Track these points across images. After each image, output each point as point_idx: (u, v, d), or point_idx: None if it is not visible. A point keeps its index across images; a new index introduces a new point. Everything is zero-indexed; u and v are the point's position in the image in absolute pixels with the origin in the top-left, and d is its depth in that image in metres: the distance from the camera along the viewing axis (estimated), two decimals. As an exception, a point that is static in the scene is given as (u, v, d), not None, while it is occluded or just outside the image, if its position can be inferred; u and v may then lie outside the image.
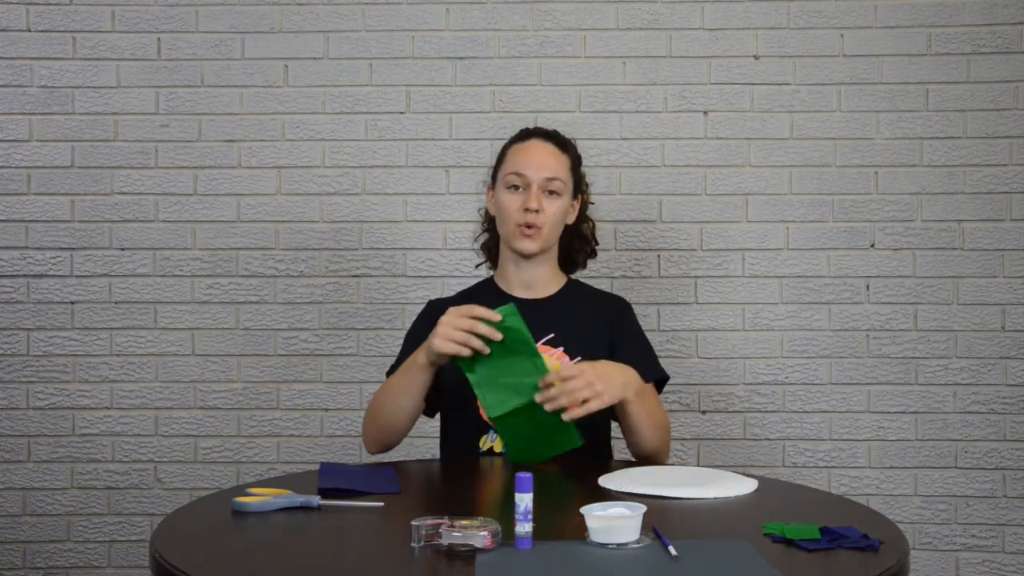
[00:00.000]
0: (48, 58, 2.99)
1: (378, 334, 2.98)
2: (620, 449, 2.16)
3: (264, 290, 2.99)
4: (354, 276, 2.99)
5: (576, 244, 2.28)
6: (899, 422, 2.96)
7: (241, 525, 1.58)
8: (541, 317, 2.06)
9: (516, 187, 2.13)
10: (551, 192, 2.13)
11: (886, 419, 2.96)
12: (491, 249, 2.30)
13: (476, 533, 1.38)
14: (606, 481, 1.79)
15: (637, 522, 1.42)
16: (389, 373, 2.13)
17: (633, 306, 2.26)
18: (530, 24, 2.98)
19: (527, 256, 2.15)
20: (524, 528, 1.41)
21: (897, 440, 2.96)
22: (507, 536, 1.41)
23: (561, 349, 2.09)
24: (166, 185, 2.99)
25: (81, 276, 2.99)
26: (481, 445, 2.09)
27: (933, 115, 2.95)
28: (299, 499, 1.64)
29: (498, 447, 2.06)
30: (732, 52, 2.97)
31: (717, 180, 2.97)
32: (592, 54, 2.98)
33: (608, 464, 2.04)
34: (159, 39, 2.99)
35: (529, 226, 2.11)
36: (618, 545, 1.41)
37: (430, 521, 1.42)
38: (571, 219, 2.21)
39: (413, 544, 1.41)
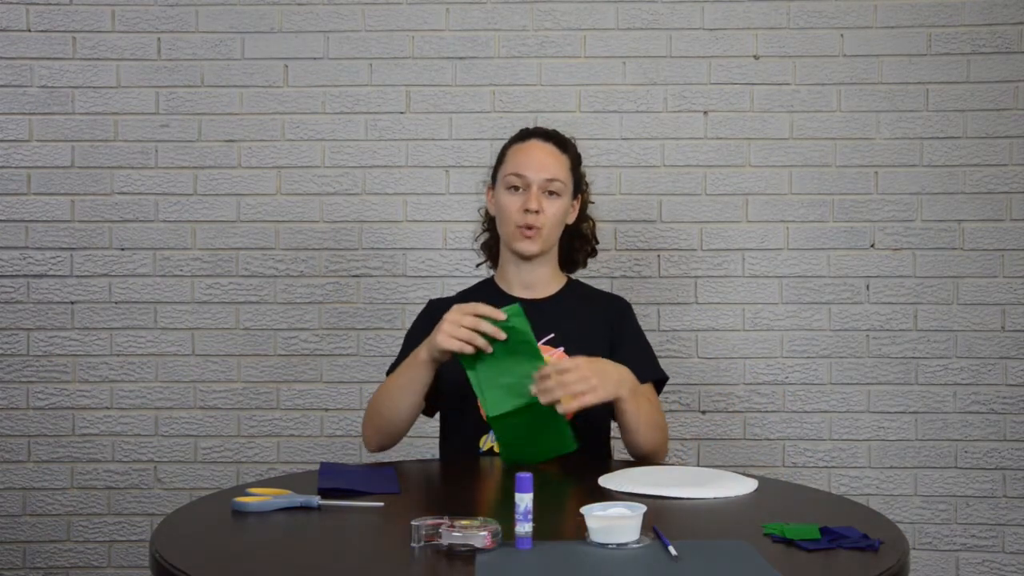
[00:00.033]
0: (48, 58, 2.99)
1: (378, 334, 2.98)
2: (620, 449, 2.16)
3: (264, 290, 2.99)
4: (354, 276, 2.99)
5: (576, 243, 2.28)
6: (899, 422, 2.96)
7: (241, 525, 1.58)
8: (541, 317, 2.06)
9: (516, 188, 2.13)
10: (551, 192, 2.13)
11: (886, 419, 2.96)
12: (491, 249, 2.30)
13: (476, 533, 1.38)
14: (606, 481, 1.79)
15: (637, 522, 1.42)
16: (389, 372, 2.13)
17: (633, 306, 2.26)
18: (530, 24, 2.98)
19: (527, 258, 2.15)
20: (524, 528, 1.41)
21: (897, 440, 2.96)
22: (507, 536, 1.41)
23: (561, 349, 2.09)
24: (166, 185, 2.99)
25: (81, 276, 2.99)
26: (481, 445, 2.09)
27: (933, 115, 2.95)
28: (299, 499, 1.64)
29: (498, 447, 2.06)
30: (732, 52, 2.97)
31: (717, 180, 2.97)
32: (592, 54, 2.98)
33: (608, 464, 2.04)
34: (159, 39, 2.99)
35: (529, 227, 2.11)
36: (618, 545, 1.41)
37: (430, 521, 1.42)
38: (571, 219, 2.21)
39: (413, 544, 1.41)
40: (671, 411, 2.95)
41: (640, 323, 2.24)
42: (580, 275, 2.34)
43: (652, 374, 2.15)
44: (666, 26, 2.97)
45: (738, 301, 2.97)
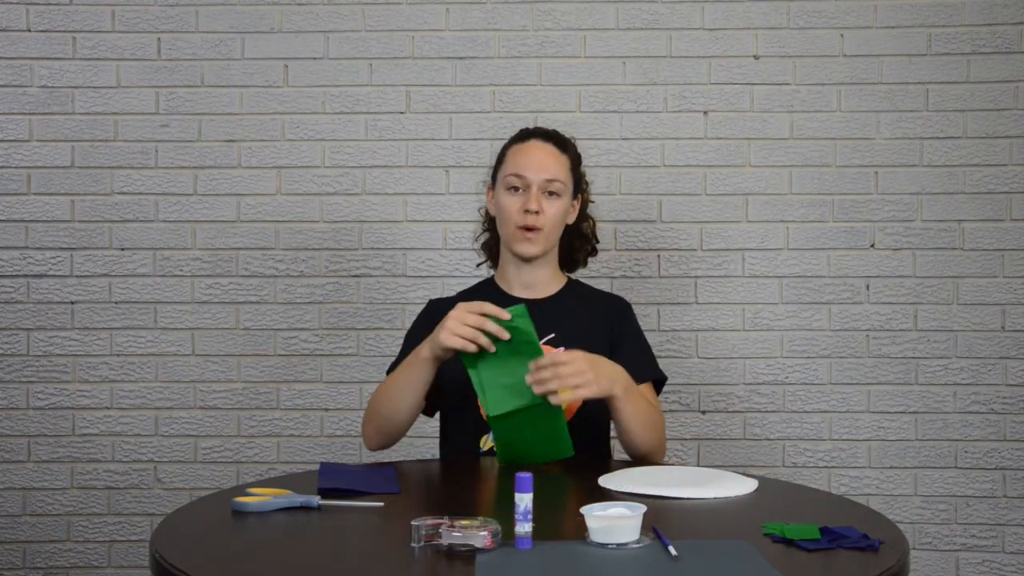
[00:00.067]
0: (48, 58, 2.99)
1: (378, 334, 2.98)
2: (620, 449, 2.16)
3: (264, 290, 2.99)
4: (354, 276, 2.99)
5: (577, 243, 2.28)
6: (899, 422, 2.96)
7: (241, 525, 1.58)
8: (541, 317, 2.06)
9: (516, 188, 2.13)
10: (551, 193, 2.13)
11: (886, 419, 2.96)
12: (492, 248, 2.30)
13: (476, 533, 1.38)
14: (606, 481, 1.79)
15: (637, 522, 1.42)
16: (389, 372, 2.13)
17: (633, 306, 2.26)
18: (530, 24, 2.98)
19: (527, 259, 2.15)
20: (524, 528, 1.41)
21: (897, 440, 2.96)
22: (507, 536, 1.41)
23: (561, 349, 2.08)
24: (166, 185, 2.99)
25: (81, 276, 2.99)
26: (481, 445, 2.09)
27: (933, 115, 2.95)
28: (299, 499, 1.64)
29: (496, 447, 2.06)
30: (732, 52, 2.97)
31: (717, 180, 2.97)
32: (592, 54, 2.98)
33: (608, 464, 2.04)
34: (159, 39, 2.99)
35: (529, 228, 2.11)
36: (618, 545, 1.41)
37: (430, 521, 1.42)
38: (571, 219, 2.21)
39: (413, 544, 1.41)
40: (671, 411, 2.95)
41: (640, 323, 2.24)
42: (580, 275, 2.34)
43: (651, 374, 2.15)
44: (666, 26, 2.97)
45: (738, 301, 2.97)
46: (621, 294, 2.44)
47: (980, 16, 2.93)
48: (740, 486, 1.76)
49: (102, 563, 2.99)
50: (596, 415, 2.05)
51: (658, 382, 2.18)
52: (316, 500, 1.64)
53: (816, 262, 2.96)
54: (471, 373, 1.90)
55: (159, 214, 2.99)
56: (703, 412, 2.98)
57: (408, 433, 2.11)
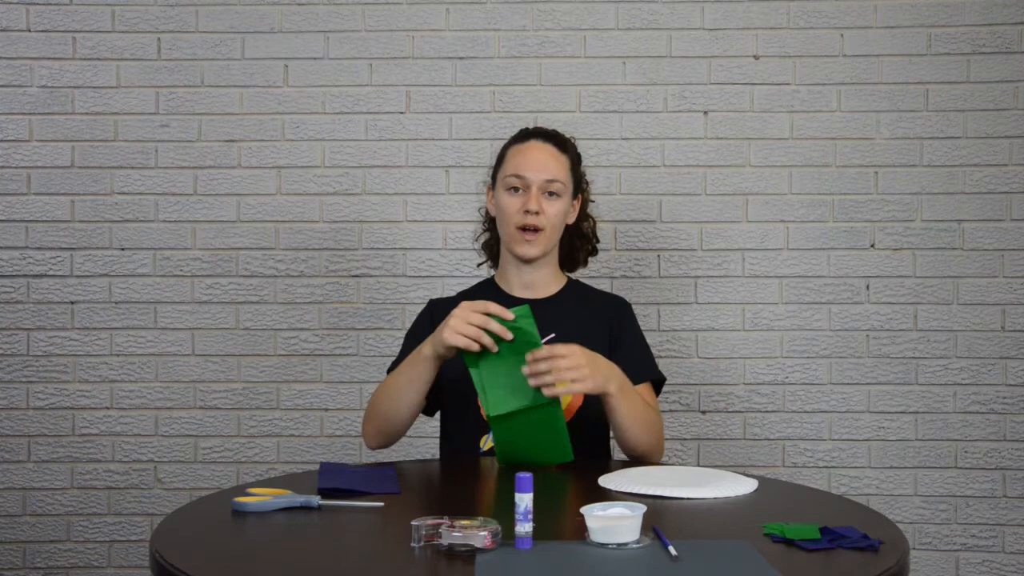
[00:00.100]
0: (48, 58, 2.99)
1: (378, 334, 2.98)
2: (620, 449, 2.16)
3: (264, 290, 2.99)
4: (354, 276, 2.99)
5: (577, 243, 2.28)
6: (899, 422, 2.96)
7: (241, 525, 1.58)
8: (542, 317, 2.05)
9: (516, 189, 2.13)
10: (551, 193, 2.13)
11: (886, 419, 2.96)
12: (492, 248, 2.30)
13: (476, 533, 1.38)
14: (606, 481, 1.79)
15: (637, 522, 1.42)
16: (390, 371, 2.13)
17: (633, 306, 2.26)
18: (530, 24, 2.98)
19: (528, 261, 2.15)
20: (524, 528, 1.41)
21: (897, 440, 2.96)
22: (507, 536, 1.41)
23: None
24: (166, 185, 2.99)
25: (81, 276, 2.99)
26: (481, 445, 2.09)
27: (933, 115, 2.95)
28: (299, 499, 1.64)
29: (496, 447, 2.06)
30: (732, 52, 2.97)
31: (717, 180, 2.97)
32: (592, 54, 2.98)
33: (608, 464, 2.04)
34: (159, 39, 2.99)
35: (529, 228, 2.11)
36: (618, 545, 1.41)
37: (430, 521, 1.42)
38: (571, 219, 2.21)
39: (413, 544, 1.42)
40: (671, 411, 2.95)
41: (640, 323, 2.24)
42: (580, 275, 2.34)
43: (650, 375, 2.15)
44: (666, 26, 2.97)
45: (738, 301, 2.97)
46: (621, 294, 2.44)
47: (980, 16, 2.93)
48: (740, 486, 1.76)
49: (102, 563, 2.99)
50: (596, 415, 2.05)
51: (657, 383, 2.18)
52: (316, 500, 1.64)
53: (816, 262, 2.96)
54: (472, 372, 1.90)
55: (159, 214, 3.00)
56: (703, 412, 2.98)
57: (408, 433, 2.12)
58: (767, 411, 2.97)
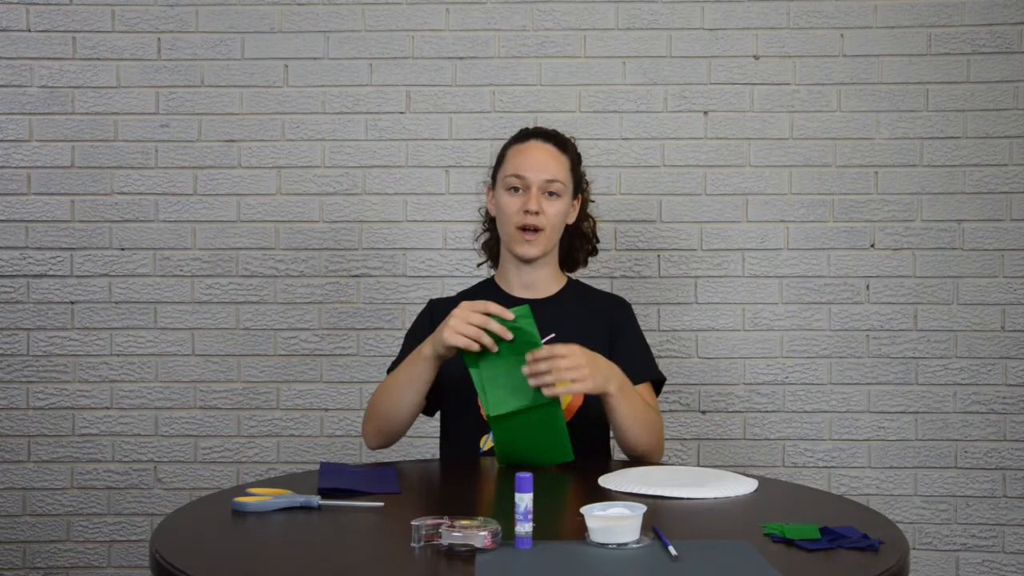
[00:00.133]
0: (48, 58, 2.99)
1: (378, 334, 2.98)
2: (620, 449, 2.16)
3: (264, 290, 2.99)
4: (354, 276, 2.99)
5: (577, 242, 2.28)
6: (899, 422, 2.96)
7: (241, 525, 1.58)
8: (542, 317, 2.05)
9: (516, 189, 2.13)
10: (551, 193, 2.13)
11: (886, 419, 2.96)
12: (492, 248, 2.30)
13: (476, 533, 1.38)
14: (606, 481, 1.79)
15: (637, 522, 1.42)
16: (390, 371, 2.13)
17: (633, 306, 2.26)
18: (530, 24, 2.98)
19: (528, 261, 2.15)
20: (524, 528, 1.41)
21: (897, 440, 2.96)
22: (507, 536, 1.41)
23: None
24: (166, 185, 2.99)
25: (81, 276, 2.99)
26: (481, 445, 2.09)
27: (933, 115, 2.95)
28: (299, 499, 1.64)
29: (495, 447, 2.06)
30: (732, 52, 2.97)
31: (717, 180, 2.97)
32: (592, 54, 2.98)
33: (608, 464, 2.04)
34: (159, 39, 2.99)
35: (529, 228, 2.11)
36: (618, 545, 1.41)
37: (430, 521, 1.42)
38: (571, 219, 2.21)
39: (413, 544, 1.41)
40: (671, 411, 2.95)
41: (640, 323, 2.24)
42: (580, 275, 2.34)
43: (650, 375, 2.15)
44: (666, 26, 2.97)
45: (738, 301, 2.97)
46: (621, 294, 2.44)
47: (980, 16, 2.93)
48: (740, 486, 1.76)
49: (102, 563, 2.99)
50: (596, 415, 2.05)
51: (657, 383, 2.18)
52: (316, 500, 1.64)
53: (816, 262, 2.96)
54: (472, 372, 1.90)
55: (159, 214, 3.00)
56: (703, 412, 2.98)
57: (408, 433, 2.12)
58: (767, 411, 2.97)
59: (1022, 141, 2.94)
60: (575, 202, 2.21)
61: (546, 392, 1.84)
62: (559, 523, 1.60)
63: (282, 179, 3.00)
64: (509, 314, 1.89)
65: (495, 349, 1.88)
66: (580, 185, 2.23)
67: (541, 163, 2.13)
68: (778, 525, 1.50)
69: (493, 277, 2.26)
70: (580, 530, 1.45)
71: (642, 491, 1.71)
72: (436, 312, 2.15)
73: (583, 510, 1.44)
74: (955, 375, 2.95)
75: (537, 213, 2.10)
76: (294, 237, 2.99)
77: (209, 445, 3.00)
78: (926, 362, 2.95)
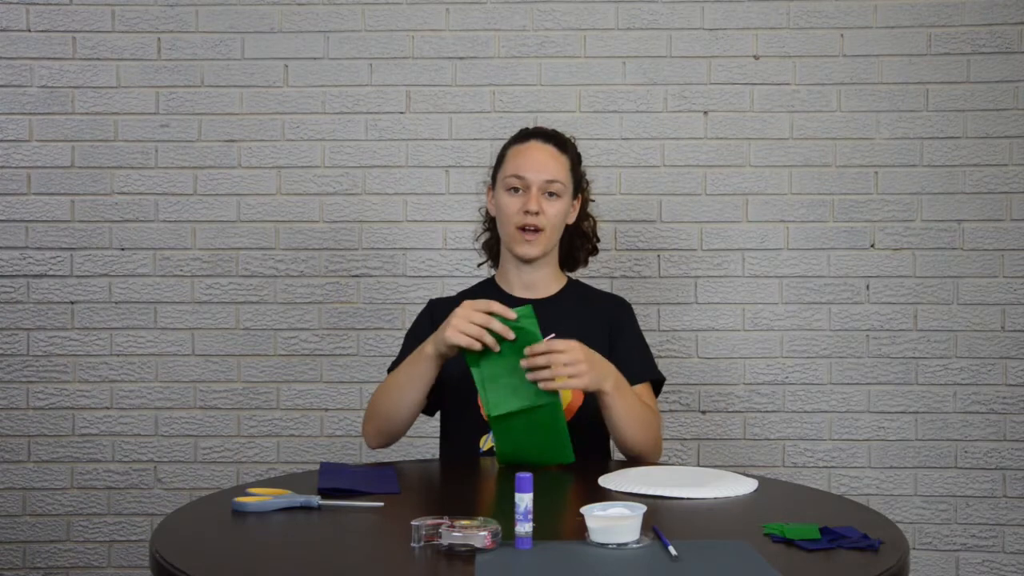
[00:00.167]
0: (48, 58, 2.99)
1: (378, 334, 2.98)
2: (617, 448, 2.16)
3: (264, 290, 2.99)
4: (354, 276, 2.99)
5: (577, 242, 2.28)
6: (899, 422, 2.96)
7: (241, 525, 1.58)
8: (542, 317, 2.05)
9: (516, 189, 2.13)
10: (551, 194, 2.13)
11: (886, 419, 2.96)
12: (492, 248, 2.30)
13: (476, 533, 1.38)
14: (606, 481, 1.79)
15: (637, 522, 1.42)
16: (390, 371, 2.13)
17: (633, 306, 2.26)
18: (530, 24, 2.98)
19: (528, 261, 2.15)
20: (524, 528, 1.41)
21: (897, 440, 2.96)
22: (507, 536, 1.41)
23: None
24: (166, 185, 2.99)
25: (81, 276, 2.99)
26: (481, 445, 2.09)
27: (933, 115, 2.95)
28: (299, 499, 1.64)
29: (495, 447, 2.06)
30: (732, 52, 2.97)
31: (717, 180, 2.97)
32: (592, 54, 2.98)
33: (608, 464, 2.04)
34: (159, 39, 2.99)
35: (529, 229, 2.11)
36: (618, 545, 1.41)
37: (430, 521, 1.42)
38: (571, 219, 2.21)
39: (413, 544, 1.41)
40: (671, 411, 2.95)
41: (640, 323, 2.24)
42: (580, 275, 2.34)
43: (649, 375, 2.15)
44: (666, 26, 2.97)
45: (738, 301, 2.97)
46: (621, 294, 2.44)
47: (980, 16, 2.93)
48: (740, 486, 1.76)
49: (102, 563, 2.99)
50: (597, 415, 2.05)
51: (656, 383, 2.18)
52: (316, 500, 1.64)
53: (816, 262, 2.96)
54: (474, 371, 1.90)
55: (159, 214, 3.00)
56: (703, 412, 2.98)
57: (408, 433, 2.11)
58: (767, 411, 2.97)
59: (1022, 141, 2.94)
60: (575, 202, 2.21)
61: (542, 387, 1.85)
62: (559, 523, 1.60)
63: (282, 179, 3.00)
64: (511, 313, 1.89)
65: (497, 348, 1.88)
66: (580, 185, 2.23)
67: (541, 163, 2.13)
68: (778, 525, 1.50)
69: (493, 277, 2.26)
70: (580, 530, 1.45)
71: (642, 491, 1.71)
72: (436, 312, 2.15)
73: (583, 510, 1.44)
74: (955, 375, 2.95)
75: (537, 213, 2.10)
76: (294, 237, 2.99)
77: (209, 445, 3.00)
78: (926, 362, 2.95)
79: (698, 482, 1.78)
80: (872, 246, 2.96)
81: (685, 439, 2.97)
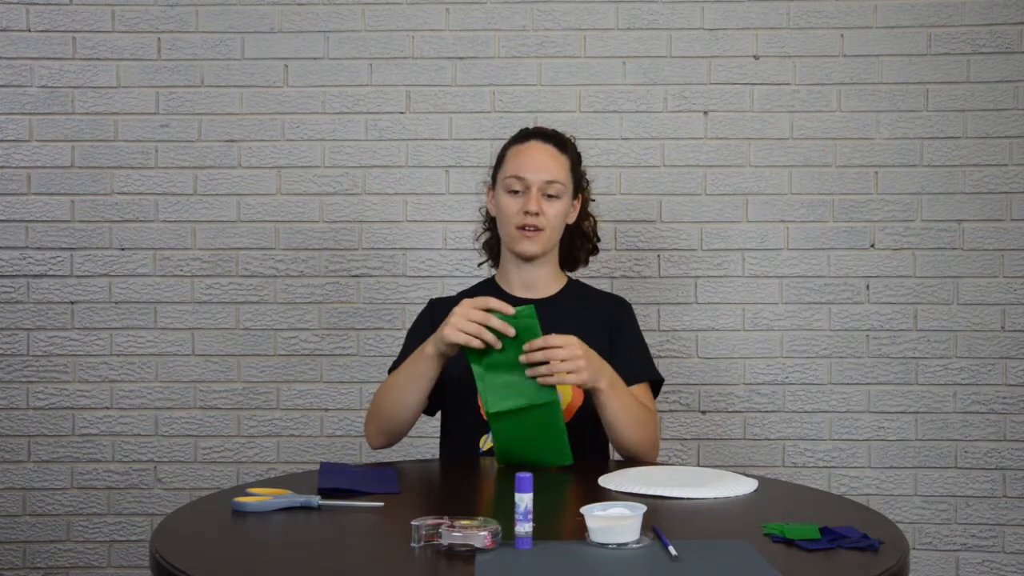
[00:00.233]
0: (48, 58, 2.99)
1: (378, 334, 2.98)
2: (613, 447, 2.16)
3: (264, 290, 2.99)
4: (354, 276, 2.99)
5: (578, 242, 2.28)
6: (899, 422, 2.96)
7: (241, 525, 1.58)
8: (542, 317, 2.05)
9: (516, 191, 2.13)
10: (550, 195, 2.13)
11: (886, 419, 2.96)
12: (493, 248, 2.30)
13: (476, 533, 1.38)
14: (606, 481, 1.79)
15: (637, 522, 1.42)
16: (391, 371, 2.13)
17: (633, 306, 2.26)
18: (530, 24, 2.98)
19: (528, 258, 2.15)
20: (524, 528, 1.41)
21: (897, 440, 2.96)
22: (507, 536, 1.41)
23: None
24: (166, 185, 2.99)
25: (81, 276, 2.99)
26: (481, 445, 2.09)
27: (933, 115, 2.95)
28: (299, 499, 1.64)
29: (495, 447, 2.06)
30: (732, 52, 2.97)
31: (717, 180, 2.97)
32: (592, 54, 2.98)
33: (608, 464, 2.04)
34: (159, 39, 2.99)
35: (528, 228, 2.11)
36: (618, 545, 1.41)
37: (430, 521, 1.42)
38: (572, 219, 2.21)
39: (413, 544, 1.41)
40: (671, 411, 2.95)
41: (640, 324, 2.24)
42: (580, 275, 2.34)
43: (648, 375, 2.15)
44: (666, 26, 2.97)
45: (738, 301, 2.97)
46: (621, 294, 2.44)
47: (980, 16, 2.93)
48: (740, 486, 1.76)
49: (102, 563, 2.99)
50: (597, 415, 2.05)
51: (655, 383, 2.18)
52: (316, 500, 1.64)
53: (816, 262, 2.96)
54: (474, 369, 1.90)
55: (159, 214, 3.00)
56: (703, 412, 2.98)
57: (408, 433, 2.11)
58: (767, 411, 2.97)
59: (1022, 141, 2.94)
60: (575, 202, 2.21)
61: (541, 382, 1.85)
62: (559, 523, 1.60)
63: (282, 179, 3.00)
64: (509, 308, 1.89)
65: (498, 345, 1.88)
66: (580, 185, 2.23)
67: (541, 164, 2.13)
68: (778, 525, 1.50)
69: (494, 277, 2.26)
70: (580, 530, 1.45)
71: (642, 491, 1.71)
72: (437, 312, 2.15)
73: (583, 510, 1.44)
74: (955, 375, 2.95)
75: (537, 214, 2.10)
76: (294, 237, 2.99)
77: (209, 445, 3.00)
78: (926, 362, 2.95)
79: (698, 482, 1.78)
80: (872, 246, 2.96)
81: (685, 439, 2.97)
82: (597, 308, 2.21)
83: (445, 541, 1.39)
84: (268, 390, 2.99)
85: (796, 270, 2.96)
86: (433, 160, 2.99)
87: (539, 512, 1.44)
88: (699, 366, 2.97)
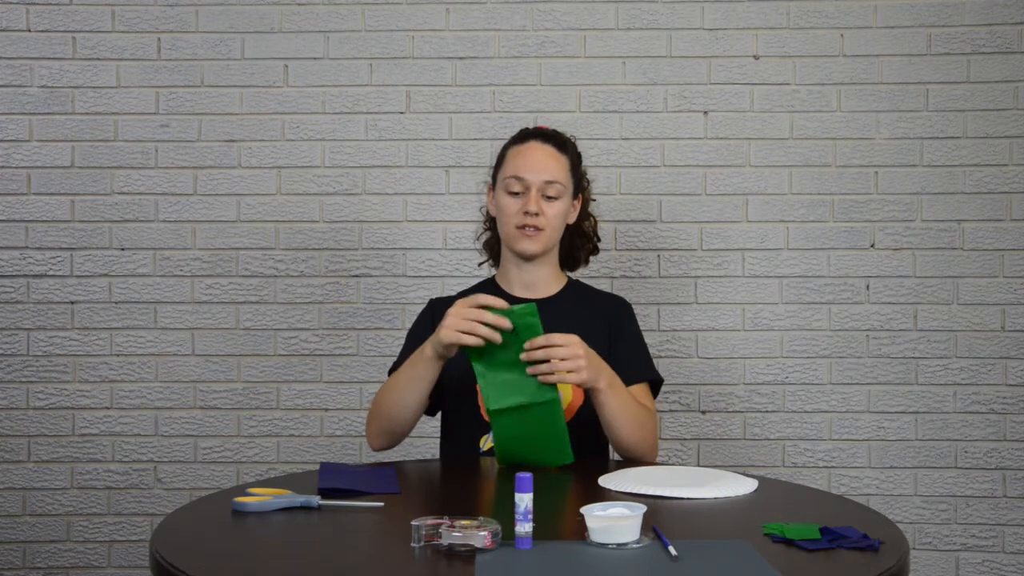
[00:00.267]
0: (48, 58, 2.99)
1: (378, 334, 2.98)
2: (612, 447, 2.16)
3: (264, 290, 2.99)
4: (354, 276, 2.99)
5: (578, 241, 2.28)
6: (899, 422, 2.96)
7: (241, 525, 1.58)
8: (542, 317, 2.05)
9: (515, 191, 2.13)
10: (550, 196, 2.13)
11: (886, 419, 2.96)
12: (493, 247, 2.31)
13: (476, 533, 1.38)
14: (606, 481, 1.79)
15: (637, 522, 1.42)
16: (391, 372, 2.13)
17: (633, 306, 2.26)
18: (530, 24, 2.98)
19: (528, 258, 2.15)
20: (524, 528, 1.41)
21: (897, 440, 2.96)
22: (507, 536, 1.41)
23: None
24: (166, 185, 2.99)
25: (81, 276, 2.99)
26: (481, 445, 2.09)
27: (933, 115, 2.95)
28: (299, 499, 1.64)
29: (495, 446, 2.06)
30: (732, 52, 2.97)
31: (717, 180, 2.97)
32: (592, 54, 2.98)
33: (608, 464, 2.04)
34: (159, 39, 2.99)
35: (529, 228, 2.11)
36: (618, 545, 1.41)
37: (430, 521, 1.42)
38: (572, 219, 2.21)
39: (413, 544, 1.42)
40: (671, 411, 2.95)
41: (640, 324, 2.24)
42: (579, 275, 2.34)
43: (647, 375, 2.15)
44: (666, 26, 2.97)
45: (738, 301, 2.97)
46: (621, 294, 2.44)
47: (980, 16, 2.93)
48: (740, 486, 1.76)
49: (102, 563, 2.99)
50: (597, 415, 2.05)
51: (655, 383, 2.18)
52: (316, 500, 1.64)
53: (816, 262, 2.96)
54: (476, 368, 1.90)
55: (159, 214, 3.00)
56: (703, 412, 2.98)
57: (409, 433, 2.11)
58: (767, 411, 2.97)
59: (1022, 141, 2.94)
60: (576, 202, 2.21)
61: (542, 380, 1.85)
62: (559, 523, 1.60)
63: (282, 179, 3.00)
64: (502, 302, 1.90)
65: (497, 339, 1.88)
66: (580, 185, 2.23)
67: (541, 164, 2.13)
68: (778, 525, 1.50)
69: (494, 277, 2.27)
70: (580, 530, 1.45)
71: (642, 491, 1.71)
72: (437, 311, 2.15)
73: (583, 510, 1.44)
74: (955, 375, 2.95)
75: (537, 214, 2.10)
76: (294, 237, 2.99)
77: (209, 445, 3.00)
78: (926, 362, 2.95)
79: (698, 482, 1.78)
80: (872, 246, 2.96)
81: (685, 439, 2.97)
82: (597, 308, 2.21)
83: (445, 541, 1.39)
84: (268, 390, 2.99)
85: (796, 270, 2.96)
86: (433, 160, 2.99)
87: (539, 512, 1.44)
88: (699, 366, 2.97)
